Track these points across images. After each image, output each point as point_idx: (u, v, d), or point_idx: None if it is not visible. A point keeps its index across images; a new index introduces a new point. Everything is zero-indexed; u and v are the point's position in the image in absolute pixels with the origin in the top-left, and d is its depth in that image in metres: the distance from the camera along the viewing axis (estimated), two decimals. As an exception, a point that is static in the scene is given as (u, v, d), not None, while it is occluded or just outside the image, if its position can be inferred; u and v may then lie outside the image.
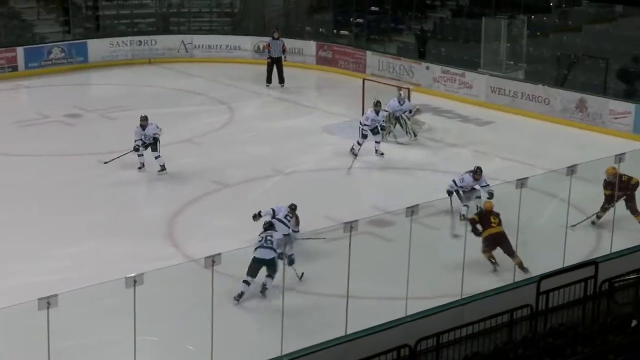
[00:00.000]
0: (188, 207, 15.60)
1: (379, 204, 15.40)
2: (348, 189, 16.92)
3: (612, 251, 12.54)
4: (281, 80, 23.73)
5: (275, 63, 23.62)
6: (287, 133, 19.98)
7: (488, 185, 14.71)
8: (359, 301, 10.84)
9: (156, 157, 17.30)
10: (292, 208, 13.46)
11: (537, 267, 11.57)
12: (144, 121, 17.33)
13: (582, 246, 13.51)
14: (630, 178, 14.24)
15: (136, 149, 17.25)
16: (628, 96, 21.05)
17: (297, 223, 13.47)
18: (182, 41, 27.19)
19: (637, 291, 11.30)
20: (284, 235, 12.65)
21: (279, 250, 11.99)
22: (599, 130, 20.32)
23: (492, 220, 12.97)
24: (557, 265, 11.62)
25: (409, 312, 10.61)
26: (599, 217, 14.45)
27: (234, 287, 11.89)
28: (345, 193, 16.56)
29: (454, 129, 20.63)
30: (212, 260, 9.37)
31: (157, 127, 17.37)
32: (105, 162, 17.42)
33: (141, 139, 17.29)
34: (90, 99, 23.90)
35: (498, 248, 12.88)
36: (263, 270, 12.10)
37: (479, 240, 12.80)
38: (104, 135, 19.73)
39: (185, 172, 17.45)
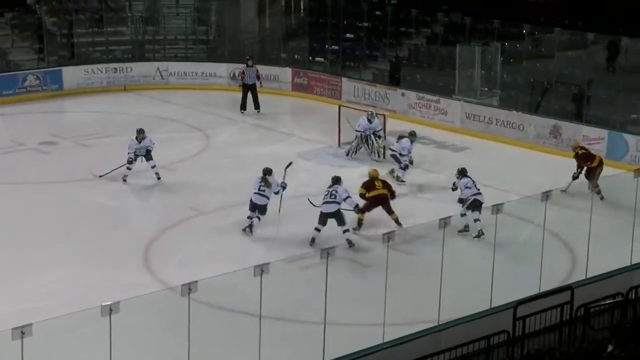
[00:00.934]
0: (164, 234, 15.52)
1: (356, 231, 15.37)
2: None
3: (588, 276, 12.60)
4: (257, 106, 23.83)
5: (249, 90, 23.75)
6: (263, 159, 19.92)
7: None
8: (337, 327, 10.81)
9: (152, 167, 17.93)
10: (263, 173, 15.46)
11: (514, 292, 11.59)
12: (140, 134, 17.92)
13: (558, 271, 13.57)
14: (593, 156, 17.49)
15: (130, 162, 17.69)
16: (579, 118, 21.29)
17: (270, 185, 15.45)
18: (158, 68, 27.19)
19: (613, 316, 11.35)
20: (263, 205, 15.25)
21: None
22: (573, 156, 20.45)
23: (376, 184, 15.57)
24: (534, 290, 11.66)
25: (387, 339, 10.59)
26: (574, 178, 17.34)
27: (210, 316, 11.82)
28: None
29: (430, 154, 20.72)
30: (189, 288, 9.33)
31: (151, 140, 18.01)
32: (100, 176, 17.74)
33: (135, 152, 17.70)
34: (66, 126, 23.79)
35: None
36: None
37: (458, 266, 12.82)
38: (80, 162, 19.62)
39: (161, 198, 17.40)
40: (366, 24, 26.54)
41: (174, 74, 27.24)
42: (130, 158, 17.78)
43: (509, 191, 17.35)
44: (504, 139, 21.70)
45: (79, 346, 10.91)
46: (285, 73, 26.62)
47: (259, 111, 23.79)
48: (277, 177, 15.83)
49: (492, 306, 11.61)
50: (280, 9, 28.98)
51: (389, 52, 26.46)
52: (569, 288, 11.15)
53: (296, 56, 27.82)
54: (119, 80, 26.80)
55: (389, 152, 19.01)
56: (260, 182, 15.50)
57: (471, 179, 15.93)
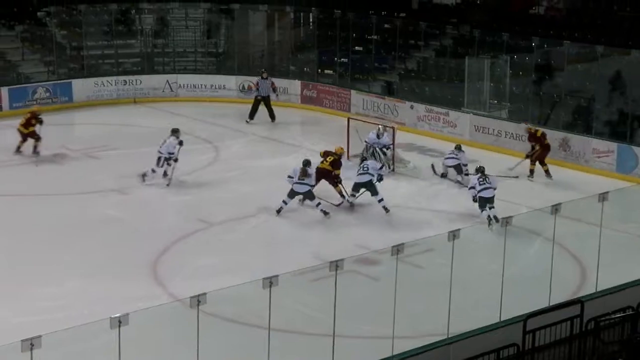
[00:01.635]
0: (173, 246, 15.54)
1: (364, 243, 15.39)
2: (333, 227, 16.91)
3: (598, 289, 12.56)
4: (272, 117, 24.27)
5: (263, 101, 24.11)
6: (272, 171, 19.98)
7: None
8: (346, 340, 10.79)
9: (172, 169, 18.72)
10: (303, 165, 17.12)
11: (524, 305, 11.56)
12: (176, 133, 18.84)
13: (568, 284, 13.53)
14: (544, 134, 19.90)
15: (169, 161, 18.57)
16: (588, 131, 21.32)
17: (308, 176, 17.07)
18: (167, 81, 27.30)
19: (623, 330, 11.29)
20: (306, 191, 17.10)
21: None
22: (582, 169, 20.46)
23: (325, 159, 17.68)
24: (543, 303, 11.62)
25: (395, 352, 10.56)
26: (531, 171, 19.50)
27: (220, 328, 11.81)
28: (331, 231, 16.56)
29: (439, 167, 20.67)
30: (198, 300, 9.32)
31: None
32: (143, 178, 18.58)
33: (169, 153, 18.52)
34: (75, 138, 23.88)
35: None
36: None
37: (467, 278, 12.79)
38: (89, 174, 19.67)
39: (170, 210, 17.42)
40: (375, 37, 26.59)
41: (184, 87, 27.34)
42: (171, 157, 18.49)
43: (518, 204, 17.33)
44: (513, 152, 21.66)
45: (88, 358, 10.91)
46: (294, 85, 26.68)
47: (274, 122, 24.15)
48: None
49: (502, 319, 11.57)
50: (289, 22, 29.05)
51: (398, 65, 26.49)
52: (579, 301, 11.11)
53: (305, 69, 27.89)
54: (129, 92, 26.91)
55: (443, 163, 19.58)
56: (300, 172, 17.12)
57: (479, 175, 16.86)
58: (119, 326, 8.87)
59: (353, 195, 17.56)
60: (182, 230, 16.26)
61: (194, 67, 28.64)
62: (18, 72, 26.42)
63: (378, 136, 19.88)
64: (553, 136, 21.14)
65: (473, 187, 16.80)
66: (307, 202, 17.39)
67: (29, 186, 18.83)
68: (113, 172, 19.71)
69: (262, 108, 24.21)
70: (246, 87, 25.67)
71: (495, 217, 16.09)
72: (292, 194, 17.17)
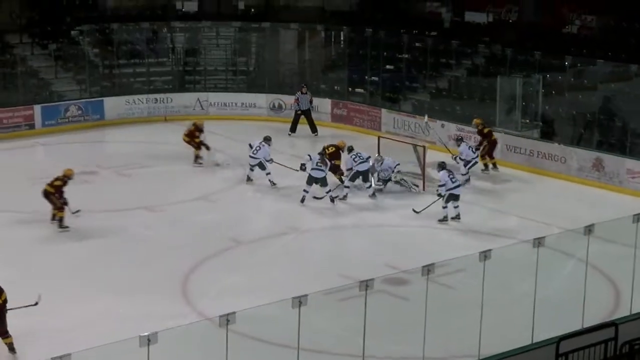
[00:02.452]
0: (202, 265, 15.58)
1: (394, 263, 15.34)
2: (362, 246, 16.89)
3: (632, 312, 12.40)
4: (313, 130, 25.06)
5: (304, 115, 25.01)
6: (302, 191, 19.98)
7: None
8: (375, 361, 10.74)
9: (267, 174, 20.02)
10: (320, 154, 18.88)
11: (556, 328, 11.44)
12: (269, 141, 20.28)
13: (602, 307, 13.38)
14: (490, 131, 21.36)
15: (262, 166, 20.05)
16: (622, 150, 21.20)
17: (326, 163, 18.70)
18: (198, 99, 27.47)
19: (658, 353, 11.13)
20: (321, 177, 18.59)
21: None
22: (616, 190, 20.27)
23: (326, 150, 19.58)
24: (576, 326, 11.50)
25: (426, 373, 10.49)
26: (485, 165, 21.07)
27: (248, 347, 11.81)
28: (360, 251, 16.53)
29: (469, 187, 20.59)
30: (227, 319, 9.33)
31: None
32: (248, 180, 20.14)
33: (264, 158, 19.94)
34: (106, 156, 24.07)
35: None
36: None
37: (499, 300, 12.70)
38: (120, 192, 19.81)
39: (200, 229, 17.48)
40: (406, 56, 26.60)
41: (214, 105, 27.49)
42: (265, 163, 19.91)
43: (550, 224, 17.21)
44: (545, 172, 21.54)
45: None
46: (325, 104, 26.74)
47: (316, 134, 24.80)
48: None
49: (534, 341, 11.46)
50: (320, 40, 29.15)
51: (429, 84, 26.47)
52: (613, 324, 10.98)
53: (336, 87, 27.95)
54: (160, 110, 27.12)
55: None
56: (319, 159, 18.65)
57: (449, 172, 17.89)
58: (148, 344, 8.90)
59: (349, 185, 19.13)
60: (211, 248, 16.30)
61: (225, 86, 28.81)
62: (51, 90, 26.72)
63: (376, 165, 19.90)
64: (586, 156, 20.98)
65: (443, 185, 17.80)
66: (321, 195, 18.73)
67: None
68: (143, 190, 19.84)
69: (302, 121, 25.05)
70: (280, 105, 26.24)
71: (458, 215, 17.84)
72: (310, 180, 18.59)
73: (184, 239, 16.90)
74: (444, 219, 17.83)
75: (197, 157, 21.72)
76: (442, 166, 18.24)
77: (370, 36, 26.71)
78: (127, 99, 26.90)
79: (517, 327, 12.68)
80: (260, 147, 20.22)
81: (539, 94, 23.36)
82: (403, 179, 20.04)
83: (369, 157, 19.47)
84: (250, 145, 20.41)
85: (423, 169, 20.25)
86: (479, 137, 21.74)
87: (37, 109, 25.39)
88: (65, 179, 17.25)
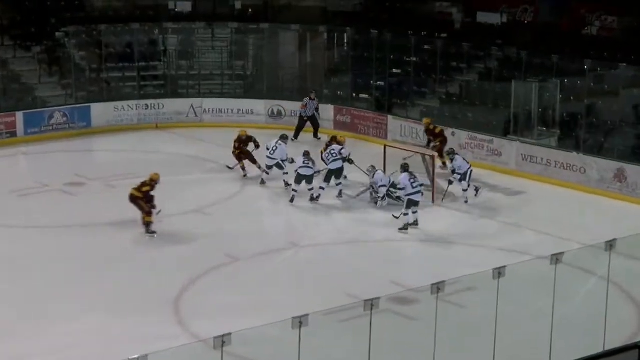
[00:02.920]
0: (196, 282, 15.59)
1: (401, 280, 15.34)
2: (367, 263, 16.89)
3: (656, 334, 12.41)
4: (317, 135, 25.68)
5: (309, 121, 25.66)
6: (303, 203, 20.03)
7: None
8: (381, 386, 10.73)
9: (284, 173, 20.91)
10: (305, 154, 19.90)
11: (575, 350, 11.44)
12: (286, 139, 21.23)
13: (624, 328, 13.37)
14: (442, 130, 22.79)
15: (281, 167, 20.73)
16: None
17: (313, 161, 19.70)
18: (192, 105, 27.53)
19: (684, 377, 11.13)
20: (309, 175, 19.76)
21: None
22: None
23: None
24: (597, 348, 11.50)
25: (435, 399, 10.49)
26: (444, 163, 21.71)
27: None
28: (364, 268, 16.52)
29: (482, 199, 20.63)
30: (222, 341, 9.34)
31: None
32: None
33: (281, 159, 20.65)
34: (93, 166, 24.07)
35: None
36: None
37: (514, 320, 12.70)
38: (107, 205, 19.83)
39: (193, 244, 17.49)
40: (414, 59, 26.65)
41: (209, 111, 27.55)
42: (282, 163, 20.64)
43: (569, 240, 17.20)
44: (563, 183, 21.56)
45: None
46: (328, 110, 26.79)
47: (319, 139, 25.17)
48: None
49: (553, 365, 11.48)
50: (322, 43, 29.23)
51: (439, 89, 26.51)
52: (637, 347, 10.98)
53: (339, 92, 28.00)
54: (151, 117, 27.17)
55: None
56: (304, 158, 19.81)
57: (410, 175, 18.35)
58: (138, 367, 8.91)
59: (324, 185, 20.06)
60: (206, 265, 16.31)
61: (220, 91, 28.86)
62: (34, 96, 26.77)
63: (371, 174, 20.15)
64: (608, 166, 20.98)
65: (403, 188, 18.31)
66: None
67: (44, 218, 19.00)
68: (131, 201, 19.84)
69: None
70: (278, 111, 26.98)
71: (416, 222, 18.26)
72: (298, 179, 19.67)
73: (177, 255, 16.91)
74: (404, 228, 18.12)
75: (243, 168, 21.91)
76: (404, 168, 18.75)
77: (375, 38, 26.77)
78: (116, 105, 26.95)
79: (533, 349, 12.69)
80: (277, 147, 20.89)
81: (557, 99, 23.39)
82: (399, 196, 19.74)
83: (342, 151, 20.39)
84: (267, 147, 20.93)
85: (433, 180, 20.27)
86: (428, 138, 23.15)
87: (20, 115, 25.46)
88: (152, 183, 17.88)
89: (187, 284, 15.45)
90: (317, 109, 25.94)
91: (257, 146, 21.88)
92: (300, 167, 19.83)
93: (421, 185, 18.65)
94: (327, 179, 20.14)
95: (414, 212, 18.29)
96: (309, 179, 19.86)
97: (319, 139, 25.12)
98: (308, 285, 15.61)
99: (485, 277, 13.85)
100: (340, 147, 20.68)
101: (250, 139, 22.06)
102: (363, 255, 17.35)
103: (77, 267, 16.33)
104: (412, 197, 18.22)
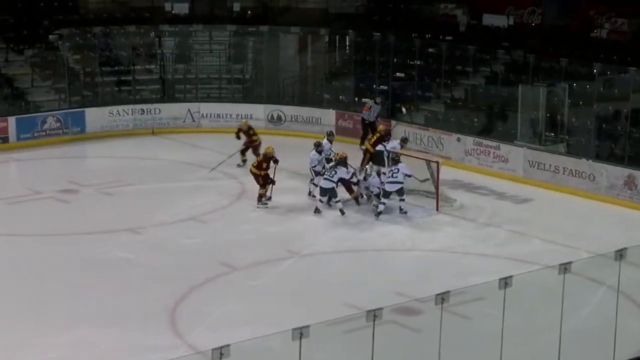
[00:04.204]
0: (193, 292, 15.58)
1: (405, 290, 15.33)
2: (369, 272, 16.88)
3: (668, 345, 12.39)
4: (363, 142, 24.15)
5: (369, 126, 24.44)
6: (303, 210, 20.04)
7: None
8: (384, 400, 10.72)
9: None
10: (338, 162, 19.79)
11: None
12: (318, 147, 20.74)
13: (635, 339, 13.35)
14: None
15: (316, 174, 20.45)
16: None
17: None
18: (189, 110, 27.56)
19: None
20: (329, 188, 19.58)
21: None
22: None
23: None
24: (607, 360, 11.49)
25: (440, 413, 10.47)
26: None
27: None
28: (367, 277, 16.52)
29: (488, 207, 20.63)
30: (220, 353, 9.32)
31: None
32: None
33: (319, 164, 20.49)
34: (87, 173, 24.13)
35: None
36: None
37: (521, 331, 12.68)
38: (102, 212, 19.84)
39: (189, 253, 17.48)
40: (418, 62, 26.69)
41: (207, 116, 27.58)
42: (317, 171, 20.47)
43: (578, 248, 17.21)
44: (572, 190, 21.56)
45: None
46: (329, 115, 26.81)
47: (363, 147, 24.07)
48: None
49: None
50: (324, 46, 29.28)
51: (444, 93, 26.53)
52: (647, 359, 10.96)
53: (341, 97, 28.03)
54: (147, 122, 27.20)
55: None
56: (331, 167, 19.64)
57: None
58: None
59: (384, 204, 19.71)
60: (202, 274, 16.30)
61: (218, 95, 28.91)
62: (27, 100, 26.82)
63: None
64: (618, 173, 20.98)
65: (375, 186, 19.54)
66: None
67: (36, 226, 19.00)
68: (128, 210, 19.87)
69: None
70: (278, 115, 26.77)
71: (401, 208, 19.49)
72: (323, 192, 19.52)
73: (173, 264, 16.90)
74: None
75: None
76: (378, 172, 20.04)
77: (378, 41, 26.82)
78: (111, 110, 26.99)
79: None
80: (311, 156, 20.90)
81: (565, 104, 23.40)
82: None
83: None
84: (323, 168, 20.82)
85: (437, 187, 20.27)
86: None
87: (12, 121, 25.49)
88: (268, 158, 19.94)
89: (184, 294, 15.44)
90: (378, 116, 24.77)
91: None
92: (323, 180, 19.64)
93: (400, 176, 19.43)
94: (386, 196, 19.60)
95: (402, 200, 19.47)
96: (332, 192, 19.55)
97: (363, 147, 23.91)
98: (308, 295, 15.59)
99: (492, 287, 13.84)
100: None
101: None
102: (365, 264, 17.34)
103: (70, 276, 16.32)
104: (386, 187, 19.26)
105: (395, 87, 26.88)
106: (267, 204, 20.13)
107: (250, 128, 23.39)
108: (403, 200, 19.67)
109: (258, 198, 20.07)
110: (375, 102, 24.80)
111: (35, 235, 18.46)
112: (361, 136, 24.48)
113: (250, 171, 20.39)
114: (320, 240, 18.44)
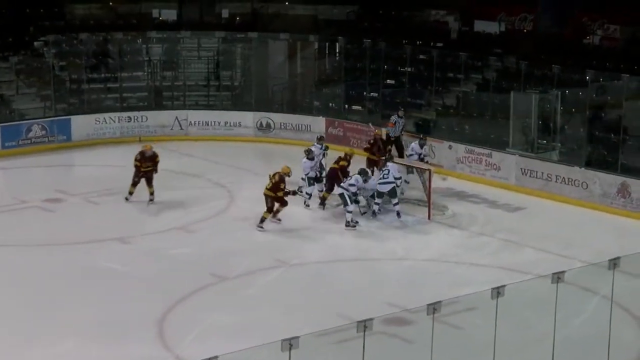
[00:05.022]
0: (181, 303, 15.55)
1: (396, 300, 15.33)
2: (360, 282, 16.87)
3: (662, 355, 12.42)
4: (402, 155, 23.52)
5: (394, 143, 23.69)
6: (293, 219, 20.02)
7: None
8: (375, 412, 10.72)
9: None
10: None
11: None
12: (310, 153, 20.75)
13: (629, 350, 13.39)
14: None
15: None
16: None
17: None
18: (176, 117, 27.54)
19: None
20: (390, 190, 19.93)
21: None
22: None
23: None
24: (600, 372, 11.51)
25: None
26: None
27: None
28: (357, 287, 16.52)
29: (480, 215, 20.66)
30: (209, 364, 9.32)
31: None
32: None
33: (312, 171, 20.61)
34: (73, 181, 24.06)
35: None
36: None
37: (513, 342, 12.70)
38: (88, 222, 19.80)
39: (178, 263, 17.46)
40: (409, 69, 26.74)
41: (195, 124, 27.56)
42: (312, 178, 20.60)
43: (571, 258, 17.25)
44: (564, 198, 21.60)
45: None
46: (318, 123, 26.82)
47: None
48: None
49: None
50: (313, 52, 29.31)
51: (435, 100, 26.58)
52: (641, 369, 10.98)
53: (331, 104, 28.05)
54: (134, 130, 27.16)
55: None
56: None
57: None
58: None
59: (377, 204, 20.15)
60: (191, 284, 16.27)
61: (207, 103, 28.91)
62: (12, 108, 26.77)
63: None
64: (611, 181, 21.03)
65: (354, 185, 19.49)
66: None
67: (21, 235, 18.94)
68: (115, 220, 19.83)
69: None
70: (267, 123, 26.34)
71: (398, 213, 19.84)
72: (379, 194, 19.92)
73: (160, 274, 16.87)
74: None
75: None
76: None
77: (369, 47, 26.85)
78: (97, 118, 26.95)
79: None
80: (303, 164, 20.90)
81: (557, 111, 23.46)
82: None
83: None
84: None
85: (429, 196, 20.31)
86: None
87: (-4, 128, 25.44)
88: (284, 176, 19.23)
89: (172, 305, 15.40)
90: (403, 129, 24.08)
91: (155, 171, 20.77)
92: (380, 184, 19.92)
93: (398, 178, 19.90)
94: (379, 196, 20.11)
95: (395, 204, 19.87)
96: (392, 192, 19.93)
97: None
98: (298, 305, 15.58)
99: (484, 297, 13.85)
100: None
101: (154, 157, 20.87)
102: (355, 273, 17.33)
103: (55, 287, 16.26)
104: (379, 187, 19.74)
105: (385, 94, 26.92)
106: (278, 221, 19.64)
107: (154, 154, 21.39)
108: (397, 204, 19.89)
109: (261, 219, 19.20)
110: (398, 116, 23.98)
111: (20, 245, 18.40)
112: (380, 151, 22.79)
113: (264, 194, 19.17)
114: (310, 249, 18.44)
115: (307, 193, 20.77)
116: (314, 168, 20.79)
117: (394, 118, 23.99)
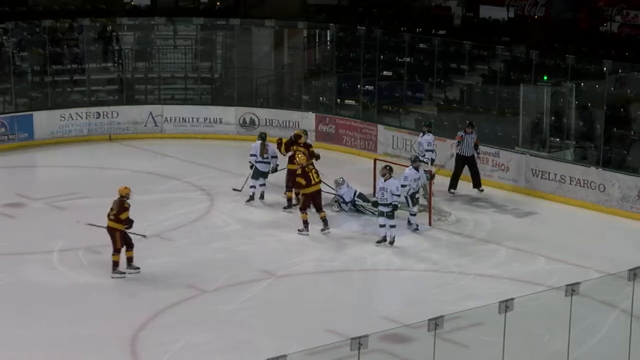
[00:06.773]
0: (156, 319, 15.56)
1: (394, 315, 15.37)
2: (354, 295, 16.93)
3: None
4: (477, 183, 22.41)
5: (467, 163, 22.44)
6: (279, 226, 20.05)
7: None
8: None
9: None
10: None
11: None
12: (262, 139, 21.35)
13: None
14: None
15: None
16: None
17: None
18: (150, 113, 27.56)
19: None
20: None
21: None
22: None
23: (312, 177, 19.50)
24: (619, 392, 11.55)
25: None
26: None
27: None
28: (352, 301, 16.55)
29: (487, 221, 20.71)
30: (186, 386, 9.34)
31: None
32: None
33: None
34: (36, 184, 24.05)
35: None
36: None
37: (521, 359, 12.76)
38: (53, 228, 19.78)
39: (152, 274, 17.46)
40: (408, 60, 26.80)
41: (171, 120, 27.58)
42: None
43: (587, 267, 17.32)
44: (580, 202, 21.66)
45: None
46: (308, 119, 26.86)
47: (481, 190, 22.33)
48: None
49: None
50: (302, 41, 29.37)
51: (436, 94, 26.64)
52: (664, 390, 11.03)
53: (321, 98, 28.10)
54: (103, 127, 27.18)
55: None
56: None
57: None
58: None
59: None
60: (167, 298, 16.28)
61: (184, 97, 28.94)
62: (-33, 104, 26.77)
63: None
64: (631, 183, 21.10)
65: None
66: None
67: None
68: (82, 227, 19.81)
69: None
70: (250, 119, 26.36)
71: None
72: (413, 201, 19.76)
73: (134, 287, 16.88)
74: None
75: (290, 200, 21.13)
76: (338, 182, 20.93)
77: (363, 35, 26.91)
78: (63, 114, 26.95)
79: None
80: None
81: (572, 106, 23.53)
82: (362, 206, 20.81)
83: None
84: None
85: (430, 199, 20.34)
86: None
87: (-51, 126, 25.46)
88: (123, 199, 17.36)
89: (145, 322, 15.41)
90: (476, 146, 22.31)
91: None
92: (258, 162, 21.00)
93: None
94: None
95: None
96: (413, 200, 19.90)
97: (482, 190, 22.30)
98: (285, 321, 15.60)
99: (491, 311, 13.88)
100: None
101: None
102: (349, 286, 17.36)
103: (14, 302, 16.25)
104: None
105: (382, 87, 26.97)
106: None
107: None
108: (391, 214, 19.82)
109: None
110: (467, 132, 22.28)
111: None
112: (452, 176, 22.42)
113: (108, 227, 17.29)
114: (299, 259, 18.44)
115: (251, 186, 21.47)
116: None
117: (460, 133, 22.48)
